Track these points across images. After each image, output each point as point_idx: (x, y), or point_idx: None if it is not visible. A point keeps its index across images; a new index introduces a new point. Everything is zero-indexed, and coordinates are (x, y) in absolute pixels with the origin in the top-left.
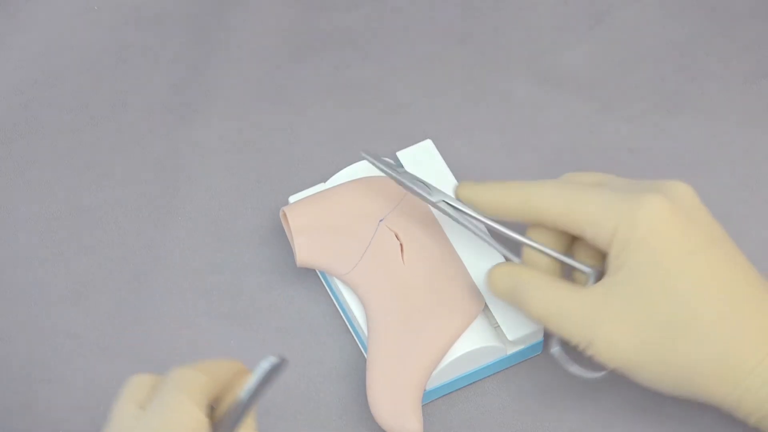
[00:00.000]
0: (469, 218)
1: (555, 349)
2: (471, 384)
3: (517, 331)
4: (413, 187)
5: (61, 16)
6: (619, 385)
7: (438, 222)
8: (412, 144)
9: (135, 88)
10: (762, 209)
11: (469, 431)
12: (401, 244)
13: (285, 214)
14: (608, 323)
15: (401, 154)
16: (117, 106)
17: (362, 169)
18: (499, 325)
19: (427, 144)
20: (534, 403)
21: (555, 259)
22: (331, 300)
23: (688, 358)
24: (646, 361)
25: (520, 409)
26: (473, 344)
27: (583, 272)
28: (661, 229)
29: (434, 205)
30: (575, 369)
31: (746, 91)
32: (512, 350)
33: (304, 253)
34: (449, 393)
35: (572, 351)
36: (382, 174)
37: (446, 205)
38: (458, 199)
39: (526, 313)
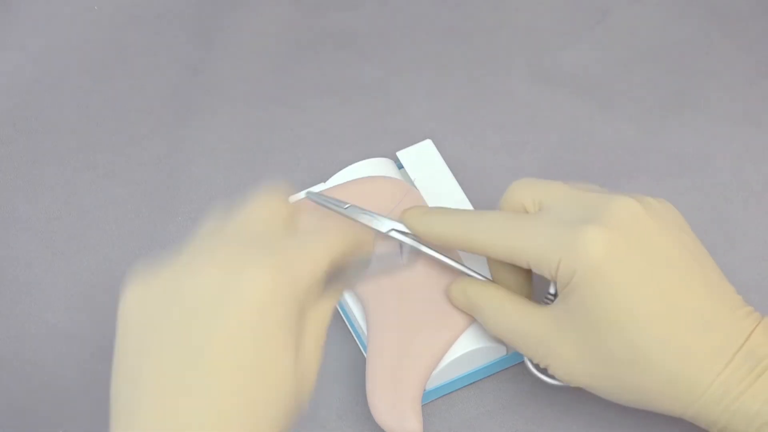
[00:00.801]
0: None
1: (525, 360)
2: (471, 384)
3: None
4: (360, 220)
5: (61, 16)
6: None
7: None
8: (412, 144)
9: (135, 88)
10: (762, 209)
11: (469, 431)
12: (401, 245)
13: None
14: (560, 348)
15: (401, 154)
16: (117, 106)
17: (362, 169)
18: None
19: (427, 144)
20: (534, 403)
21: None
22: None
23: (640, 384)
24: (600, 383)
25: (520, 409)
26: (473, 344)
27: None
28: (599, 266)
29: (385, 235)
30: (546, 378)
31: (746, 91)
32: (512, 350)
33: None
34: (449, 393)
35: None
36: (382, 174)
37: (397, 233)
38: (405, 225)
39: (485, 328)
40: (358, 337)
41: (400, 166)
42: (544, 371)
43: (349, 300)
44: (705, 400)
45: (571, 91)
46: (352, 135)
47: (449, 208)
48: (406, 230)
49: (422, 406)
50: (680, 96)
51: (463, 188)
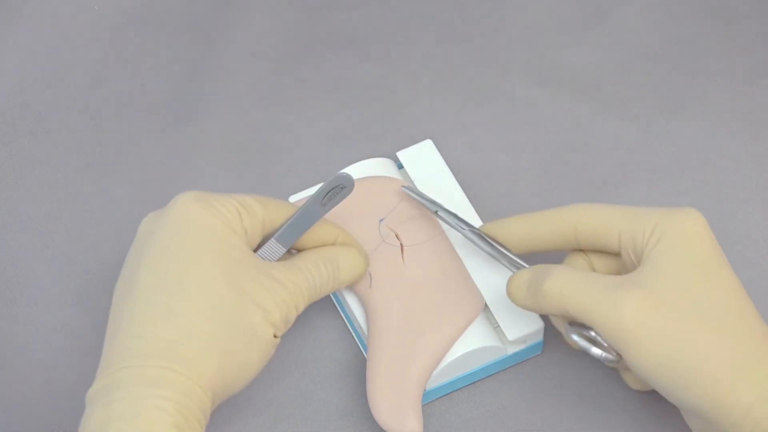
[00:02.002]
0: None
1: (573, 336)
2: (471, 384)
3: (517, 331)
4: (448, 219)
5: (62, 16)
6: (618, 385)
7: (438, 222)
8: (412, 144)
9: (135, 88)
10: (762, 209)
11: (469, 431)
12: (401, 244)
13: None
14: (633, 299)
15: (401, 154)
16: (117, 106)
17: (362, 169)
18: (499, 325)
19: (427, 144)
20: (534, 403)
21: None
22: (331, 300)
23: (700, 359)
24: (664, 343)
25: (520, 409)
26: (473, 344)
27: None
28: (696, 233)
29: (467, 237)
30: (596, 351)
31: (746, 91)
32: (512, 350)
33: None
34: (449, 393)
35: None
36: (382, 174)
37: (478, 237)
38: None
39: (544, 294)
40: (358, 337)
41: (400, 166)
42: (589, 340)
43: (350, 300)
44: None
45: (571, 91)
46: (352, 135)
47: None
48: (486, 237)
49: (422, 406)
50: (680, 96)
51: (463, 188)
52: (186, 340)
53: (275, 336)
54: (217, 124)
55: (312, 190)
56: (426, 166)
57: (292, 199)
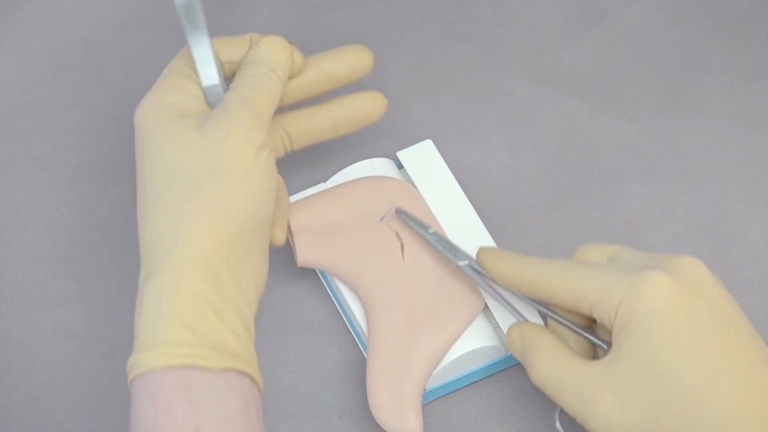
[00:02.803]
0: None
1: (557, 425)
2: (471, 384)
3: None
4: (440, 248)
5: (61, 15)
6: None
7: (438, 222)
8: (412, 144)
9: (135, 87)
10: (762, 209)
11: (469, 431)
12: (401, 244)
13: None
14: (605, 398)
15: (401, 154)
16: (117, 106)
17: (362, 169)
18: (499, 325)
19: (427, 144)
20: (534, 402)
21: (575, 332)
22: (331, 300)
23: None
24: None
25: (519, 409)
26: (473, 344)
27: (602, 348)
28: (658, 309)
29: (459, 268)
30: None
31: (746, 91)
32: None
33: (305, 253)
34: (449, 393)
35: (575, 425)
36: (382, 174)
37: (471, 270)
38: (478, 262)
39: (530, 376)
40: (358, 337)
41: (400, 166)
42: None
43: (349, 300)
44: None
45: (571, 91)
46: (352, 135)
47: (523, 255)
48: (479, 270)
49: (422, 406)
50: (680, 96)
51: (463, 188)
52: (166, 216)
53: (259, 150)
54: None
55: (312, 191)
56: (426, 166)
57: (293, 199)
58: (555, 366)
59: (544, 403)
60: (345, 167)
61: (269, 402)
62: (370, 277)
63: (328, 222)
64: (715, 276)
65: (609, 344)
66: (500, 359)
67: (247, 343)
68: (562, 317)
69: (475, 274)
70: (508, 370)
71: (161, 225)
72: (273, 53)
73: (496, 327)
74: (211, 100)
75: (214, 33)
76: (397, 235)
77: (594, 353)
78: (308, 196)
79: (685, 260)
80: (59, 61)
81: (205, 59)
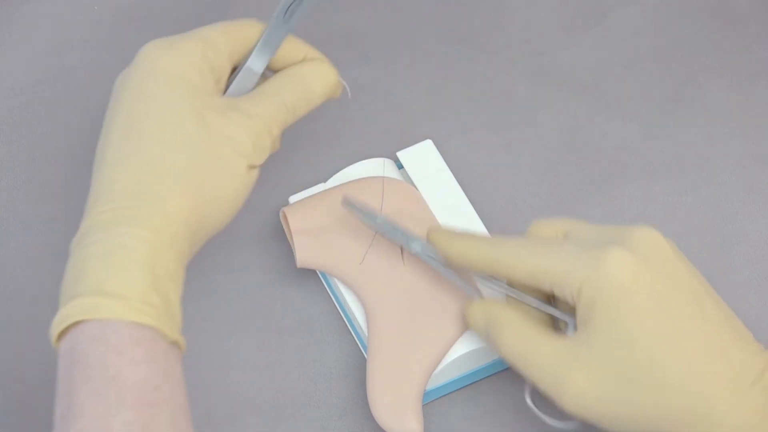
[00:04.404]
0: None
1: (527, 400)
2: (471, 384)
3: None
4: (391, 237)
5: (62, 15)
6: None
7: (438, 222)
8: (412, 144)
9: None
10: (762, 209)
11: (469, 431)
12: (401, 244)
13: (285, 215)
14: (574, 376)
15: (401, 154)
16: None
17: (362, 169)
18: None
19: (427, 144)
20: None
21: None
22: (331, 300)
23: (656, 411)
24: (613, 413)
25: (520, 409)
26: (473, 344)
27: (564, 321)
28: (621, 287)
29: (414, 255)
30: (548, 419)
31: (746, 91)
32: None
33: (305, 254)
34: (449, 393)
35: (545, 399)
36: (382, 174)
37: (424, 254)
38: (430, 244)
39: (498, 353)
40: (358, 337)
41: (400, 166)
42: (546, 411)
43: (349, 300)
44: (721, 430)
45: (571, 91)
46: (352, 135)
47: (475, 233)
48: (433, 255)
49: (422, 406)
50: (680, 96)
51: (463, 188)
52: (157, 179)
53: (251, 167)
54: None
55: (312, 191)
56: (426, 166)
57: (292, 199)
58: (522, 344)
59: (544, 403)
60: (345, 167)
61: (269, 402)
62: (370, 278)
63: (328, 222)
64: (670, 242)
65: (571, 316)
66: (500, 359)
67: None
68: (521, 293)
69: (429, 258)
70: (508, 370)
71: (150, 179)
72: (324, 87)
73: None
74: (238, 80)
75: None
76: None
77: (556, 324)
78: (308, 197)
79: (640, 232)
80: (59, 61)
81: (269, 46)
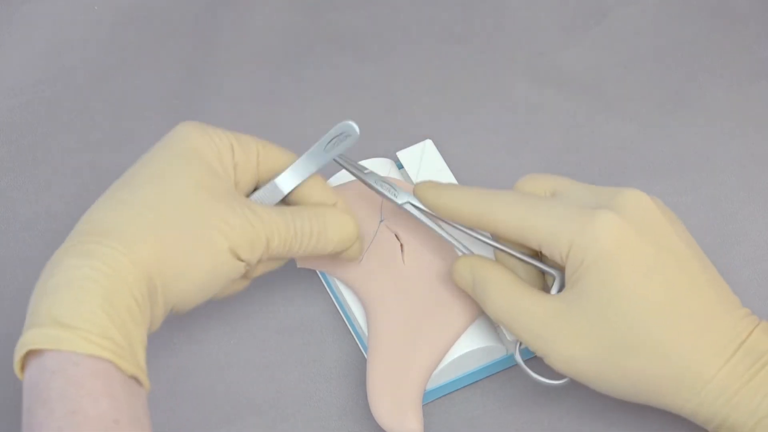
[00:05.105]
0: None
1: (516, 357)
2: (471, 384)
3: None
4: (378, 188)
5: (62, 15)
6: None
7: (438, 222)
8: (412, 144)
9: (135, 88)
10: (762, 209)
11: (469, 431)
12: (401, 244)
13: None
14: (563, 336)
15: (401, 154)
16: (117, 106)
17: None
18: (499, 325)
19: (427, 144)
20: (534, 403)
21: (524, 261)
22: (331, 300)
23: (643, 373)
24: (601, 374)
25: (520, 409)
26: (473, 344)
27: (551, 275)
28: (610, 251)
29: (400, 207)
30: (536, 377)
31: (746, 91)
32: (512, 350)
33: None
34: (449, 393)
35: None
36: (382, 174)
37: (412, 207)
38: (417, 198)
39: (485, 310)
40: (358, 337)
41: (400, 166)
42: (536, 369)
43: (349, 300)
44: (706, 393)
45: (571, 91)
46: None
47: (462, 185)
48: (420, 206)
49: (422, 406)
50: (680, 96)
51: None
52: (125, 225)
53: (239, 258)
54: (217, 124)
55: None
56: (426, 166)
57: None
58: (510, 302)
59: (544, 403)
60: None
61: (269, 402)
62: (370, 278)
63: None
64: (657, 201)
65: (558, 270)
66: (500, 359)
67: (143, 364)
68: (509, 248)
69: (416, 210)
70: (508, 370)
71: (124, 223)
72: (341, 237)
73: (496, 327)
74: (261, 193)
75: (215, 32)
76: (397, 236)
77: (543, 279)
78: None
79: (629, 194)
80: (59, 61)
81: (301, 171)
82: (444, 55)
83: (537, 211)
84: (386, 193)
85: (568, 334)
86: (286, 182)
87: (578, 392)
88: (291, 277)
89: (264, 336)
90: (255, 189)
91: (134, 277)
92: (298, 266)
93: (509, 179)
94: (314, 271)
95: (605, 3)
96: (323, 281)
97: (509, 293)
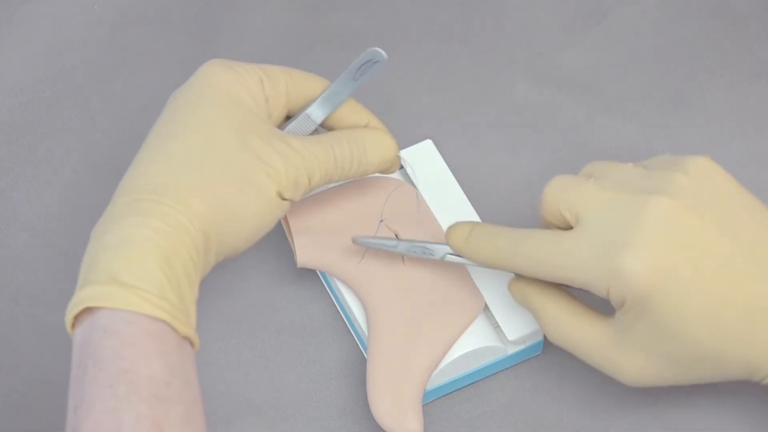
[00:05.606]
0: None
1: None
2: (471, 384)
3: (517, 331)
4: (413, 252)
5: (62, 16)
6: (618, 385)
7: (438, 222)
8: (412, 144)
9: (135, 88)
10: None
11: (469, 431)
12: (428, 258)
13: (285, 215)
14: (629, 359)
15: (401, 154)
16: (117, 106)
17: None
18: (499, 325)
19: (427, 144)
20: (534, 403)
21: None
22: (331, 300)
23: (712, 377)
24: (673, 381)
25: (520, 409)
26: (473, 344)
27: None
28: (646, 292)
29: (441, 260)
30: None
31: (746, 91)
32: (512, 350)
33: (305, 254)
34: (449, 393)
35: None
36: (381, 175)
37: (452, 257)
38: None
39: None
40: (358, 337)
41: (400, 167)
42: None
43: (349, 300)
44: None
45: (571, 91)
46: None
47: (492, 227)
48: (459, 258)
49: (422, 406)
50: (680, 96)
51: (463, 188)
52: (176, 179)
53: (282, 198)
54: None
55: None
56: (426, 166)
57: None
58: (564, 334)
59: (544, 403)
60: None
61: (269, 402)
62: (370, 278)
63: (328, 222)
64: (728, 175)
65: None
66: (500, 359)
67: (195, 325)
68: None
69: (458, 258)
70: (508, 370)
71: (173, 180)
72: (381, 158)
73: (496, 327)
74: (294, 125)
75: (215, 32)
76: (397, 236)
77: None
78: (308, 196)
79: (654, 208)
80: (59, 61)
81: (332, 100)
82: (444, 55)
83: (566, 259)
84: (424, 257)
85: (632, 356)
86: (317, 112)
87: (578, 392)
88: (291, 277)
89: (264, 336)
90: (287, 118)
91: (191, 236)
92: (298, 266)
93: (509, 179)
94: (314, 271)
95: (605, 3)
96: (323, 281)
97: (562, 324)
